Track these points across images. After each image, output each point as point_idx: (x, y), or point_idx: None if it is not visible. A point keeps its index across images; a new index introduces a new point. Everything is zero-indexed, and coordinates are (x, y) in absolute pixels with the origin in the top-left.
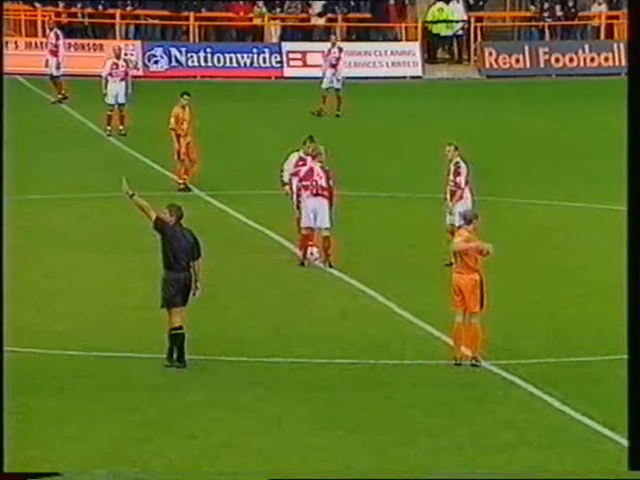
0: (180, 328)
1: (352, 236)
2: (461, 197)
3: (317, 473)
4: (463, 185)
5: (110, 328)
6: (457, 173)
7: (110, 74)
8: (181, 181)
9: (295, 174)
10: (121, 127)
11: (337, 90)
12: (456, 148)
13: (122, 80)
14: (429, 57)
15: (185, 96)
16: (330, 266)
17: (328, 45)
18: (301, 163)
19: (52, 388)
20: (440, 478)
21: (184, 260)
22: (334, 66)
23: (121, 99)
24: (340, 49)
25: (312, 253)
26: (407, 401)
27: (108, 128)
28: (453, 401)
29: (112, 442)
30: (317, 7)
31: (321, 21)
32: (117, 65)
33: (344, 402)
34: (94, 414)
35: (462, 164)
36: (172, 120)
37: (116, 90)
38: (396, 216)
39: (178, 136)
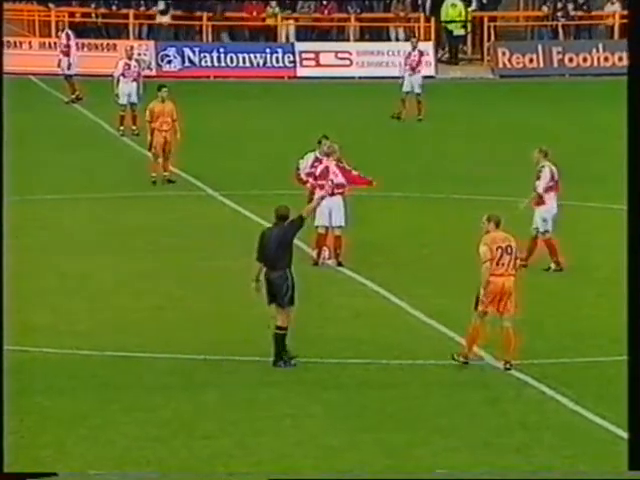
0: (279, 328)
1: (366, 236)
2: (541, 202)
3: (330, 473)
4: (541, 190)
5: (124, 328)
6: (537, 177)
7: (122, 74)
8: (154, 174)
9: (311, 174)
10: (134, 127)
11: (418, 95)
12: (543, 152)
13: (134, 80)
14: (450, 57)
15: (163, 89)
16: (339, 265)
17: (408, 48)
18: (317, 164)
19: (66, 388)
20: (453, 478)
21: (269, 260)
22: (414, 69)
23: (133, 99)
24: (421, 52)
25: (324, 250)
26: (420, 401)
27: (121, 128)
28: (466, 401)
29: (126, 442)
30: (160, 5)
31: (166, 19)
32: (129, 65)
33: (357, 402)
34: (108, 414)
35: (546, 169)
36: (147, 113)
37: (128, 90)
38: (410, 216)
39: (153, 130)
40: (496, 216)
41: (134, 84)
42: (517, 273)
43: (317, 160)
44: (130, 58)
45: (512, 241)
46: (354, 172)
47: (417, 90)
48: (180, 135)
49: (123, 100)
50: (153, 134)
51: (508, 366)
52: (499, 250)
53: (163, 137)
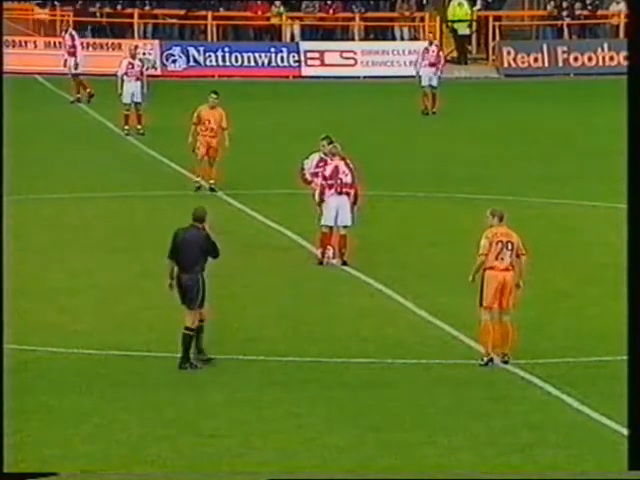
0: (187, 329)
1: (371, 235)
2: None
3: (335, 472)
4: None
5: (129, 327)
6: None
7: (126, 73)
8: (197, 179)
9: (316, 174)
10: (139, 126)
11: (434, 88)
12: None
13: (137, 79)
14: (459, 56)
15: (212, 95)
16: (344, 264)
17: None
18: (322, 164)
19: (72, 387)
20: (457, 478)
21: (184, 262)
22: (434, 65)
23: (137, 98)
24: (439, 47)
25: (329, 249)
26: (424, 400)
27: (126, 127)
28: (471, 400)
29: (131, 441)
30: None
31: (44, 14)
32: (132, 65)
33: (362, 401)
34: (113, 413)
35: None
36: (194, 115)
37: (132, 89)
38: (414, 215)
39: (197, 133)
40: (500, 211)
41: (137, 83)
42: (519, 269)
43: (322, 160)
44: (134, 57)
45: (513, 237)
46: (356, 180)
47: (434, 83)
48: (228, 143)
49: (127, 99)
50: (195, 137)
51: (506, 359)
52: (499, 244)
53: (207, 142)
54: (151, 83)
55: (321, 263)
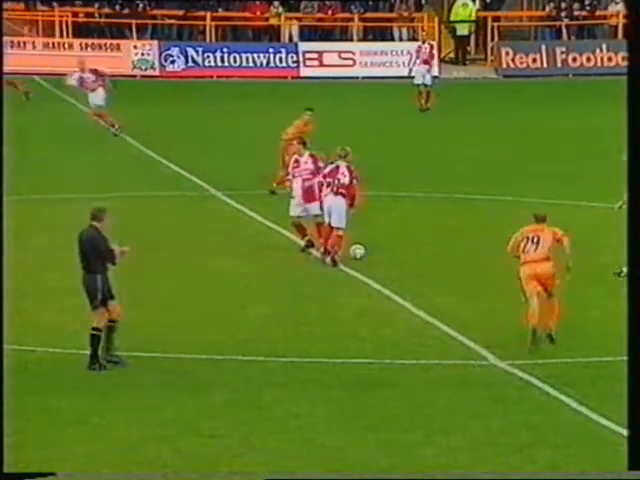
0: (93, 329)
1: (369, 235)
2: None
3: (334, 472)
4: None
5: (127, 327)
6: None
7: (82, 86)
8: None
9: (296, 168)
10: (112, 127)
11: (427, 86)
12: None
13: (93, 90)
14: (456, 57)
15: (308, 112)
16: (334, 262)
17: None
18: (295, 165)
19: (71, 387)
20: (457, 478)
21: (81, 262)
22: (427, 62)
23: (100, 103)
24: (431, 45)
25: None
26: (424, 401)
27: (114, 124)
28: (470, 401)
29: (131, 441)
30: None
31: None
32: (83, 79)
33: (361, 401)
34: (112, 413)
35: None
36: (296, 128)
37: (91, 99)
38: (413, 215)
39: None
40: (541, 214)
41: (93, 93)
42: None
43: (296, 162)
44: (84, 70)
45: (543, 231)
46: (355, 182)
47: (427, 81)
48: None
49: (92, 105)
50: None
51: (551, 336)
52: (525, 240)
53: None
54: (148, 83)
55: (327, 253)
